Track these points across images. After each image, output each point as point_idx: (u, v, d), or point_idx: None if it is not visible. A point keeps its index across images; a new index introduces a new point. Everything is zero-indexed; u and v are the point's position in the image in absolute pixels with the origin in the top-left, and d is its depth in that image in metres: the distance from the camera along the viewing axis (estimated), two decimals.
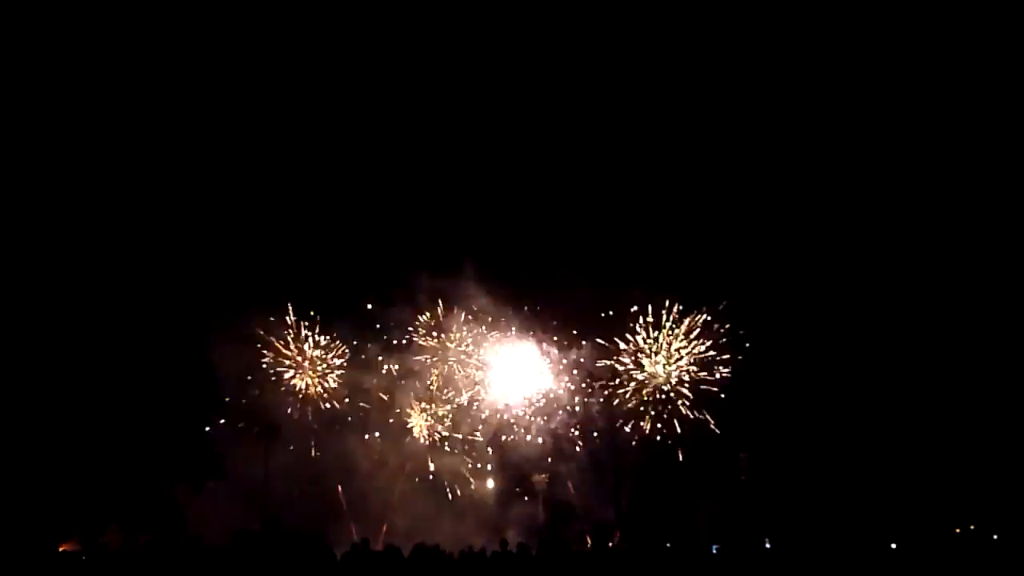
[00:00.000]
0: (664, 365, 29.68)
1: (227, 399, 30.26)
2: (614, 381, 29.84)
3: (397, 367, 33.53)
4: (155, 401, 27.13)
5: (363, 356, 33.67)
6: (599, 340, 30.96)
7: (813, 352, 27.56)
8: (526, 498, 32.09)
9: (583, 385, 30.99)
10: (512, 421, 32.54)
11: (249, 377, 31.25)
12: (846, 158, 28.44)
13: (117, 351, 26.70)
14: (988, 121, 27.20)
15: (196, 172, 29.37)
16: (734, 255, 28.77)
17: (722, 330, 28.46)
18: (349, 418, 32.63)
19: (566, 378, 31.47)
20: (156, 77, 28.75)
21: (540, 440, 31.63)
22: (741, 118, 29.26)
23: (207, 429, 29.50)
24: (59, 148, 27.14)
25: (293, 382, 32.59)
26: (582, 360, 31.64)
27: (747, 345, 28.01)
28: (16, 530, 23.64)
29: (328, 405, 32.52)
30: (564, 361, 32.11)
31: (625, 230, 30.21)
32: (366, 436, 33.11)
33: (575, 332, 31.63)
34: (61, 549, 23.70)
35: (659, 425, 29.17)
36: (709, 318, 29.20)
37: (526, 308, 32.19)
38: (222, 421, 29.97)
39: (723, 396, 28.18)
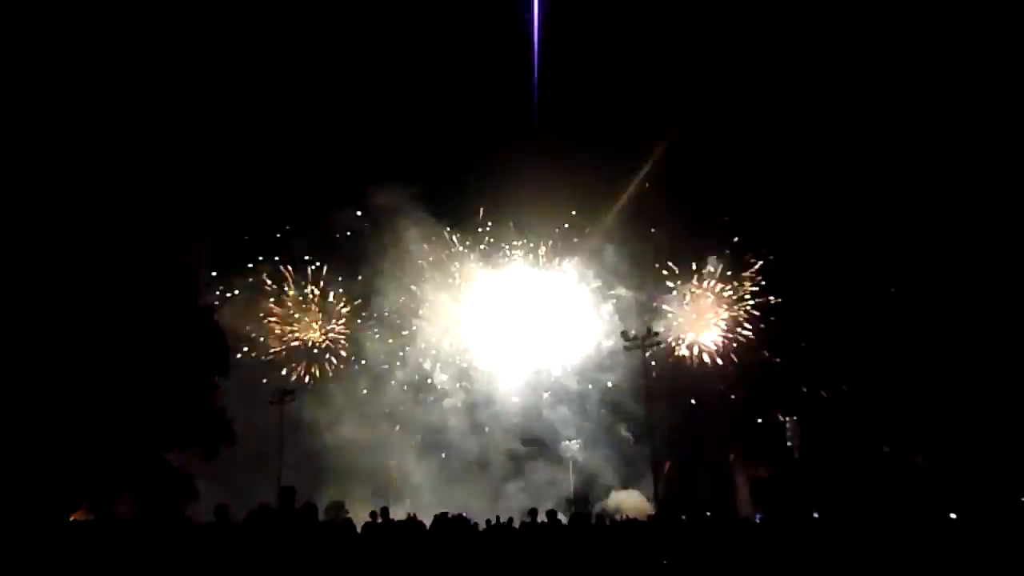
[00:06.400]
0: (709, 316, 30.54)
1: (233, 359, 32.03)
2: (652, 337, 30.70)
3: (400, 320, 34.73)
4: (161, 364, 28.21)
5: (366, 304, 34.87)
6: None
7: (871, 312, 28.21)
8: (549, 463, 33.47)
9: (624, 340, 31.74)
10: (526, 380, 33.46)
11: (253, 334, 33.16)
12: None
13: (121, 314, 27.63)
14: None
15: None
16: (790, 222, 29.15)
17: (769, 283, 29.35)
18: (358, 367, 34.22)
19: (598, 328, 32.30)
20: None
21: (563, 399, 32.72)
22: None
23: (215, 392, 30.56)
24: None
25: (303, 336, 34.21)
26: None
27: (787, 303, 28.83)
28: (25, 500, 24.58)
29: (335, 360, 34.18)
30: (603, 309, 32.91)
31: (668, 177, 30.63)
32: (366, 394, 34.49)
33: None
34: (72, 519, 25.19)
35: (701, 385, 30.29)
36: (758, 276, 30.08)
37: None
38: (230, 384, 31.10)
39: (770, 356, 29.18)
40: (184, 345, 28.69)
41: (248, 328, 33.15)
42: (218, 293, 31.42)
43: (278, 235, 33.03)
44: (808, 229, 28.96)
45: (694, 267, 31.40)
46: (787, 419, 28.99)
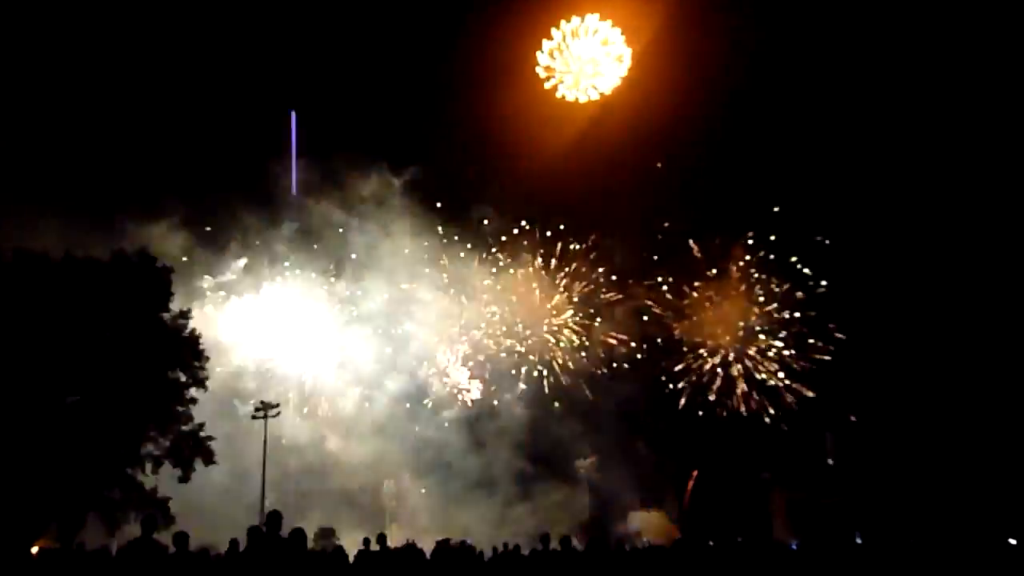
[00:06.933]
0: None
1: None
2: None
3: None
4: (132, 376, 26.80)
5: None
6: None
7: (917, 316, 26.41)
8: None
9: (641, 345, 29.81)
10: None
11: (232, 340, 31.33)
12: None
13: (88, 321, 26.26)
14: None
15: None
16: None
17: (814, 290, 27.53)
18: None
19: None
20: None
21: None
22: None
23: (192, 406, 28.76)
24: None
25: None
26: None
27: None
28: None
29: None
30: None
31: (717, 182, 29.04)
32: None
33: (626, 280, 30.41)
34: (36, 547, 23.88)
35: (731, 399, 28.48)
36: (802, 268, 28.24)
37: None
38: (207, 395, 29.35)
39: (808, 365, 27.32)
40: (157, 354, 27.25)
41: (225, 334, 31.25)
42: (190, 294, 29.58)
43: (251, 228, 31.29)
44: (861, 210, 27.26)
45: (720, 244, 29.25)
46: (827, 434, 27.14)
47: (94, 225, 27.11)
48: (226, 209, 31.07)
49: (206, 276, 31.88)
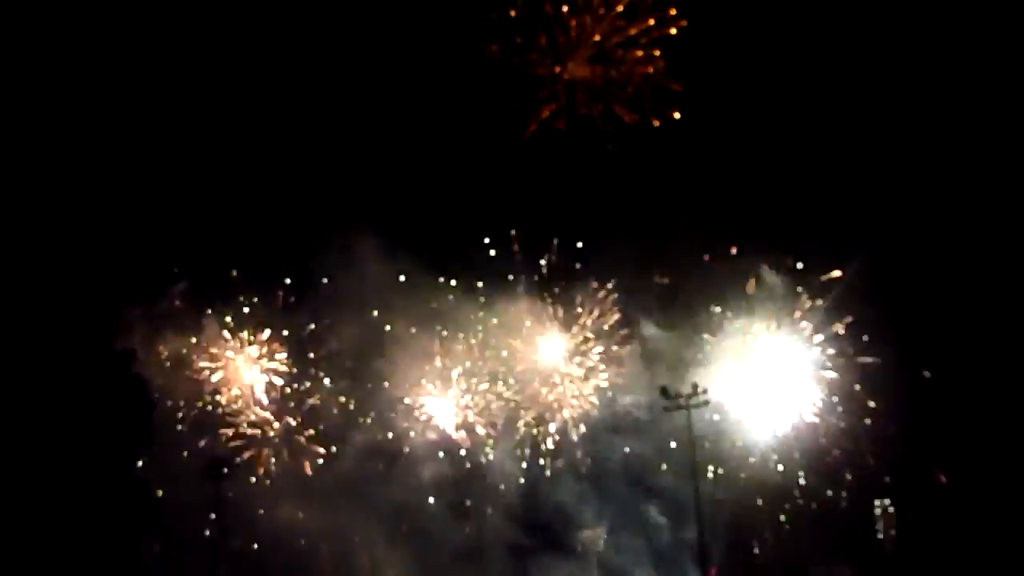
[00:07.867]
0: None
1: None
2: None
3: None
4: (67, 427, 24.09)
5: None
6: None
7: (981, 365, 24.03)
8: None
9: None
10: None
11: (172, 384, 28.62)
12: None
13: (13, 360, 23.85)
14: None
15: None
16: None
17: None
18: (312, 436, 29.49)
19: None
20: None
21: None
22: None
23: (136, 466, 26.67)
24: None
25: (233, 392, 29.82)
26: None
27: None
28: None
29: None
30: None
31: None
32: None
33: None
34: None
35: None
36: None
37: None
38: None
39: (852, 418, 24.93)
40: (96, 402, 24.63)
41: (168, 377, 28.35)
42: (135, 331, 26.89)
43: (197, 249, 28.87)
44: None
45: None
46: (879, 504, 24.60)
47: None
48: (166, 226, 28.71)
49: (138, 306, 29.05)
